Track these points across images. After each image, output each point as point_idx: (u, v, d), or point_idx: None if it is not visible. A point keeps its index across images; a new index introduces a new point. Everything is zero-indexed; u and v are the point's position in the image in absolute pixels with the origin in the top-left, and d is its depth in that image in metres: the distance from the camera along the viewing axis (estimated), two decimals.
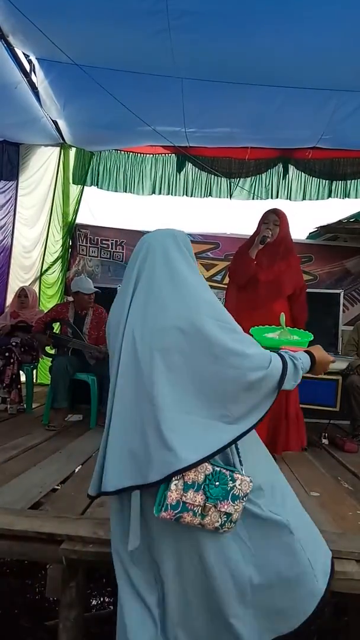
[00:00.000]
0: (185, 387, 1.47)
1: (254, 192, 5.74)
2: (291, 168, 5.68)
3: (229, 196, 5.81)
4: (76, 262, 6.06)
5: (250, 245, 3.32)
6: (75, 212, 5.95)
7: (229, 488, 1.46)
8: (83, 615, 2.00)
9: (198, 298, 1.52)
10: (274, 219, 3.27)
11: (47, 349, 4.37)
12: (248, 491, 1.49)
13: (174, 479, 1.42)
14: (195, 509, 1.43)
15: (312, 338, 1.89)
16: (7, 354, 4.31)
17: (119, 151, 5.84)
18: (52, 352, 4.34)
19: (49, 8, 3.28)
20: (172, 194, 5.86)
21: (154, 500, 1.45)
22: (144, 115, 4.44)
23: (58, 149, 5.73)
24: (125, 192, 5.91)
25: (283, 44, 3.45)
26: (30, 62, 4.20)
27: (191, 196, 5.86)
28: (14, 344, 4.40)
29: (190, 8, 3.14)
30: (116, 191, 5.92)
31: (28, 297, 4.81)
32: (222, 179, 5.76)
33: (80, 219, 6.04)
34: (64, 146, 5.71)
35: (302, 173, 5.69)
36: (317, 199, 5.73)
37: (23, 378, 4.50)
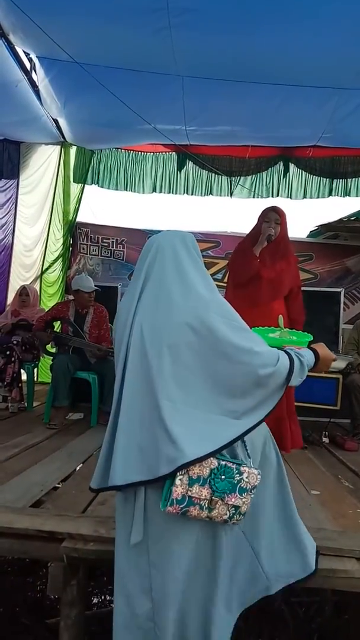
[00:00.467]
0: (193, 382, 1.50)
1: (254, 191, 5.74)
2: (292, 166, 5.68)
3: (229, 194, 5.81)
4: (77, 261, 6.06)
5: (251, 242, 3.31)
6: (76, 210, 5.95)
7: (235, 481, 1.47)
8: (84, 613, 2.00)
9: (207, 297, 1.55)
10: (275, 218, 3.26)
11: (48, 347, 4.38)
12: (256, 484, 1.51)
13: (178, 473, 1.43)
14: (201, 502, 1.45)
15: (311, 339, 1.90)
16: (8, 353, 4.31)
17: (119, 149, 5.84)
18: (53, 350, 4.35)
19: (49, 6, 3.28)
20: (172, 193, 5.86)
21: (159, 496, 1.46)
22: (144, 114, 4.44)
23: (59, 147, 5.73)
24: (126, 190, 5.91)
25: (284, 42, 3.45)
26: (30, 60, 4.19)
27: (192, 194, 5.86)
28: (15, 342, 4.40)
29: (191, 5, 3.14)
30: (117, 189, 5.92)
31: (29, 295, 4.82)
32: (223, 177, 5.75)
33: (80, 218, 6.04)
34: (64, 144, 5.71)
35: (303, 171, 5.68)
36: (318, 197, 5.72)
37: (24, 376, 4.51)
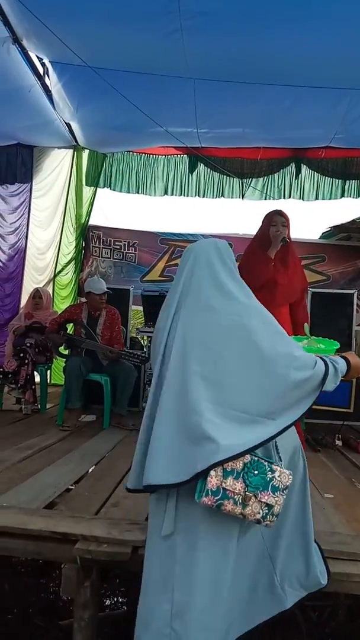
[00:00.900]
0: (231, 384, 1.53)
1: (266, 192, 5.72)
2: (304, 167, 5.65)
3: (241, 196, 5.80)
4: (89, 264, 6.10)
5: (259, 246, 3.28)
6: (88, 213, 5.99)
7: (268, 478, 1.50)
8: (97, 615, 2.00)
9: (246, 303, 1.62)
10: (282, 221, 3.24)
11: (61, 349, 4.40)
12: (288, 484, 1.53)
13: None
14: (235, 497, 1.46)
15: (338, 347, 1.93)
16: (21, 355, 4.35)
17: (131, 152, 5.87)
18: (66, 352, 4.37)
19: (61, 11, 3.31)
20: (184, 195, 5.87)
21: (192, 488, 1.49)
22: (156, 116, 4.46)
23: (71, 151, 5.78)
24: (138, 193, 5.93)
25: (295, 43, 3.44)
26: (43, 65, 4.24)
27: (203, 197, 5.86)
28: (28, 344, 4.44)
29: (202, 8, 3.15)
30: (128, 192, 5.95)
31: (42, 298, 4.85)
32: (234, 179, 5.75)
33: (93, 221, 6.08)
34: (77, 148, 5.75)
35: (315, 172, 5.66)
36: (330, 198, 5.69)
37: (37, 378, 4.54)
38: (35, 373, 4.49)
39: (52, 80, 4.34)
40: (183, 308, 1.63)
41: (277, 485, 1.50)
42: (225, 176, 5.75)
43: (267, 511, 1.50)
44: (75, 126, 5.13)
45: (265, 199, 5.72)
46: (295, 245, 3.51)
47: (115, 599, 3.05)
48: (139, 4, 3.20)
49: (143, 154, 5.86)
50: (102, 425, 4.05)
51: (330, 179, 5.65)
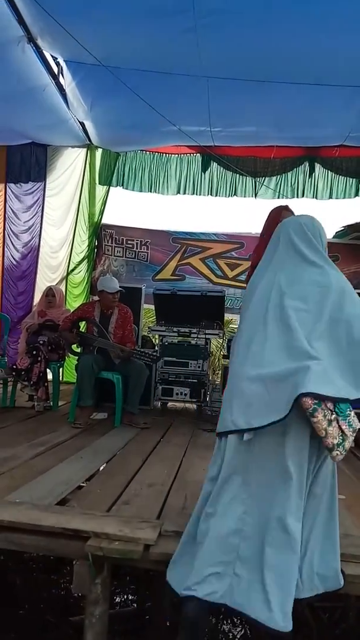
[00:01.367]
0: (324, 331, 1.66)
1: (279, 191, 5.69)
2: (317, 166, 5.61)
3: (254, 195, 5.78)
4: (102, 262, 6.12)
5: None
6: (101, 212, 6.01)
7: (347, 413, 1.59)
8: (108, 612, 2.01)
9: (333, 271, 1.79)
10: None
11: (73, 347, 4.42)
12: (357, 427, 1.60)
13: None
14: (326, 411, 1.55)
15: None
16: (34, 352, 4.38)
17: (144, 151, 5.88)
18: (78, 350, 4.39)
19: (76, 10, 3.33)
20: (197, 194, 5.87)
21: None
22: (169, 115, 4.45)
23: (85, 150, 5.80)
24: (151, 192, 5.95)
25: (309, 42, 3.42)
26: (58, 64, 4.26)
27: (216, 196, 5.85)
28: (41, 342, 4.47)
29: (217, 6, 3.14)
30: (141, 191, 5.97)
31: (55, 296, 4.88)
32: (247, 178, 5.73)
33: (105, 219, 6.10)
34: (90, 147, 5.77)
35: (329, 171, 5.61)
36: (344, 197, 5.65)
37: (50, 376, 4.57)
38: (48, 370, 4.52)
39: (66, 79, 4.36)
40: (277, 274, 1.77)
41: (351, 423, 1.59)
42: (238, 175, 5.73)
43: (341, 440, 1.56)
44: (89, 125, 5.15)
45: (279, 197, 5.69)
46: None
47: (126, 597, 3.06)
48: (153, 2, 3.20)
49: (156, 153, 5.87)
50: (114, 423, 4.07)
51: (345, 178, 5.61)
